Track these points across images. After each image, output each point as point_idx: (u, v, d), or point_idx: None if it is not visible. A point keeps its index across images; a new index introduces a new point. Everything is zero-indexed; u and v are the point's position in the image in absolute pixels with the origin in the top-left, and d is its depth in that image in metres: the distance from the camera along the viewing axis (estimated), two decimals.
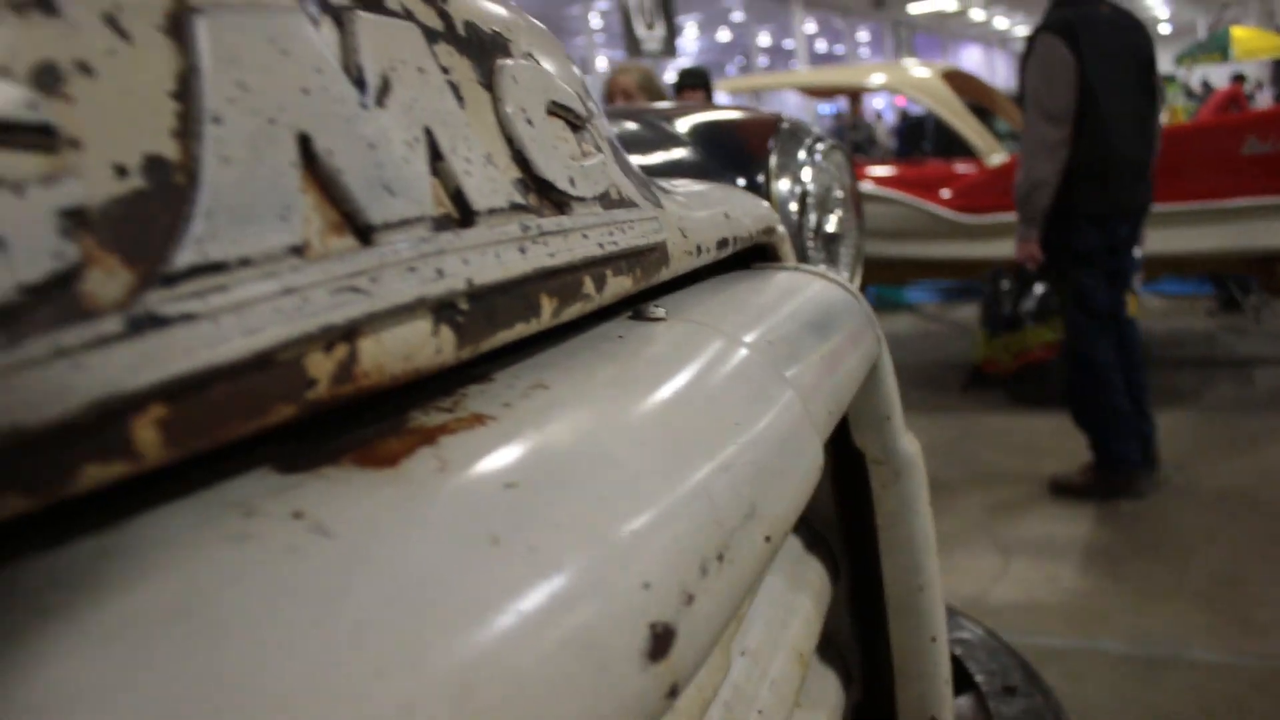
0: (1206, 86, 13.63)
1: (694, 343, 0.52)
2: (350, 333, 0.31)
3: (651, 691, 0.31)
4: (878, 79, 6.93)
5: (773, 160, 1.17)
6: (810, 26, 30.81)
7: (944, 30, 38.28)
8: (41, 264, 0.25)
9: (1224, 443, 4.67)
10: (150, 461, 0.27)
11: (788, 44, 33.98)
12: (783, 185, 1.19)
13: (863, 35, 35.95)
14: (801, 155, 1.21)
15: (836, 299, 0.81)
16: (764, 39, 36.16)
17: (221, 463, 0.32)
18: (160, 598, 0.26)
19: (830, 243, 1.27)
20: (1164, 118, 9.07)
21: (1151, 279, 6.35)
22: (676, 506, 0.36)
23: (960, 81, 6.63)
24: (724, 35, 36.40)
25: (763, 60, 37.05)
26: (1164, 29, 39.19)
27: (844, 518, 0.98)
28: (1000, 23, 37.74)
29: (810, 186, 1.20)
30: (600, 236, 0.46)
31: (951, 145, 6.47)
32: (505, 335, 0.39)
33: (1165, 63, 20.64)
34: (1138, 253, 4.14)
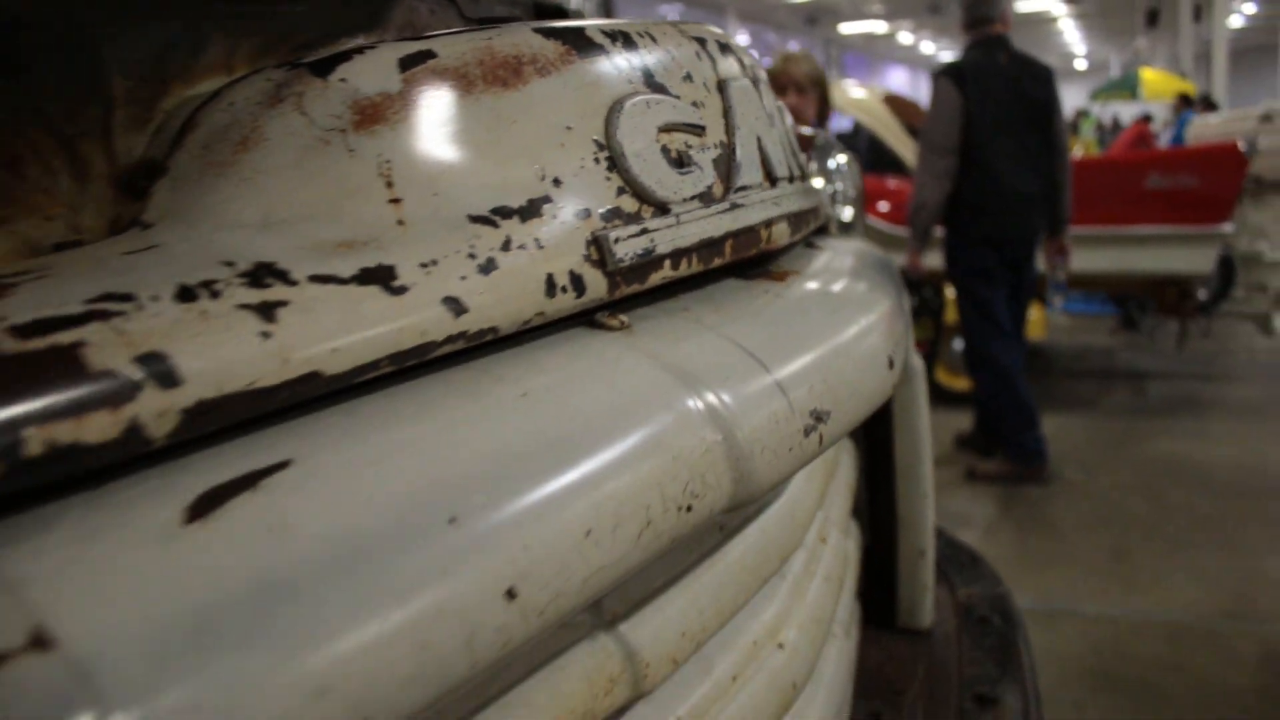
0: (1116, 124, 14.54)
1: (844, 260, 0.94)
2: (771, 222, 0.73)
3: (893, 383, 0.73)
4: None
5: (813, 165, 1.60)
6: (742, 38, 31.58)
7: (872, 51, 39.46)
8: (705, 180, 0.66)
9: (1118, 442, 5.27)
10: (720, 264, 0.68)
11: None
12: (817, 184, 1.61)
13: (793, 50, 36.85)
14: (831, 163, 1.65)
15: (879, 255, 1.24)
16: None
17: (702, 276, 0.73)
18: (746, 310, 0.67)
19: (845, 230, 1.70)
20: (1078, 151, 9.77)
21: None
22: (885, 321, 0.78)
23: (897, 105, 7.18)
24: None
25: None
26: (1080, 64, 40.87)
27: None
28: (927, 47, 39.05)
29: (838, 186, 1.64)
30: (815, 196, 0.88)
31: (882, 161, 6.95)
32: (796, 238, 0.81)
33: (1081, 98, 21.55)
34: (1060, 274, 4.72)
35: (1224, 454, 4.97)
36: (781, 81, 3.96)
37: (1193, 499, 4.39)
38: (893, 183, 6.70)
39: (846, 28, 32.88)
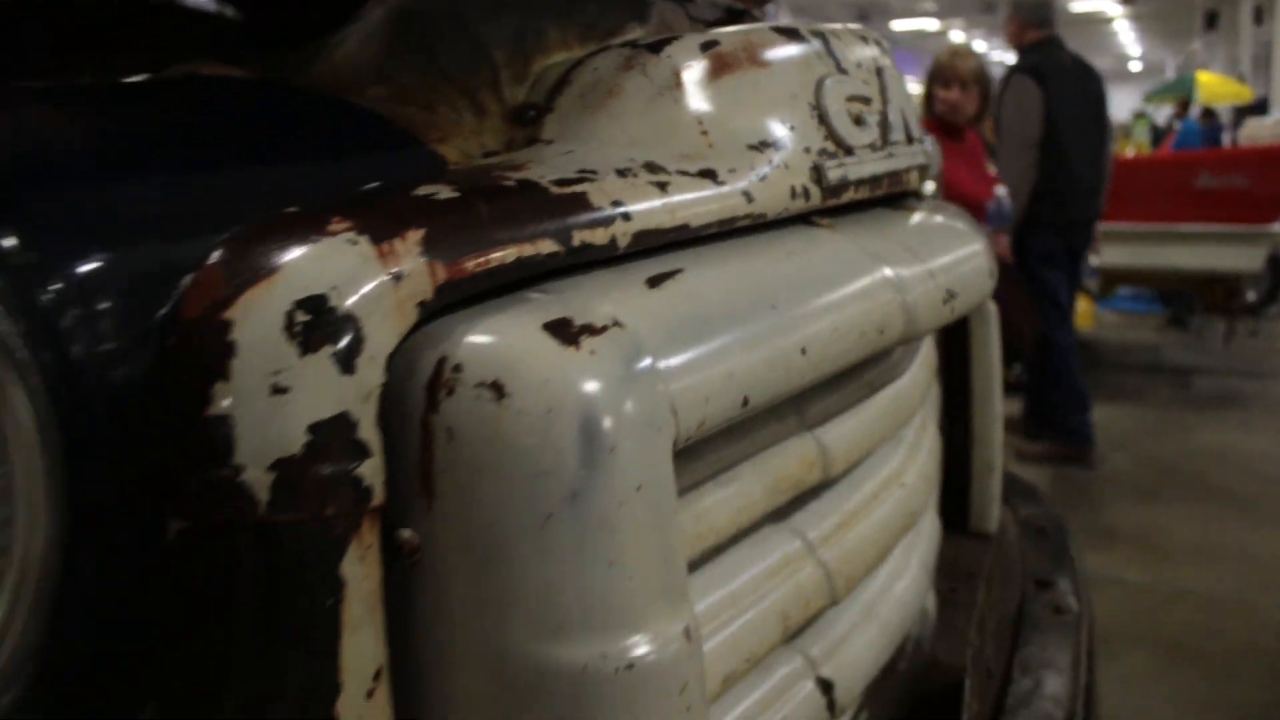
0: (1171, 126, 14.57)
1: (946, 209, 1.22)
2: (910, 170, 1.01)
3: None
4: None
5: None
6: None
7: (923, 49, 39.46)
8: (872, 135, 0.94)
9: (1161, 431, 5.47)
10: (878, 194, 0.96)
11: None
12: None
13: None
14: None
15: (963, 213, 1.51)
16: None
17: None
18: (898, 226, 0.95)
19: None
20: (1130, 151, 9.92)
21: (1109, 292, 7.19)
22: (984, 248, 1.06)
23: None
24: None
25: None
26: (1135, 66, 40.50)
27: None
28: (978, 45, 38.95)
29: None
30: (928, 156, 1.16)
31: None
32: (919, 185, 1.08)
33: (1136, 100, 21.37)
34: (1094, 260, 4.96)
35: (1266, 445, 5.14)
36: (946, 75, 4.05)
37: (1232, 484, 4.58)
38: None
39: (898, 25, 32.89)
